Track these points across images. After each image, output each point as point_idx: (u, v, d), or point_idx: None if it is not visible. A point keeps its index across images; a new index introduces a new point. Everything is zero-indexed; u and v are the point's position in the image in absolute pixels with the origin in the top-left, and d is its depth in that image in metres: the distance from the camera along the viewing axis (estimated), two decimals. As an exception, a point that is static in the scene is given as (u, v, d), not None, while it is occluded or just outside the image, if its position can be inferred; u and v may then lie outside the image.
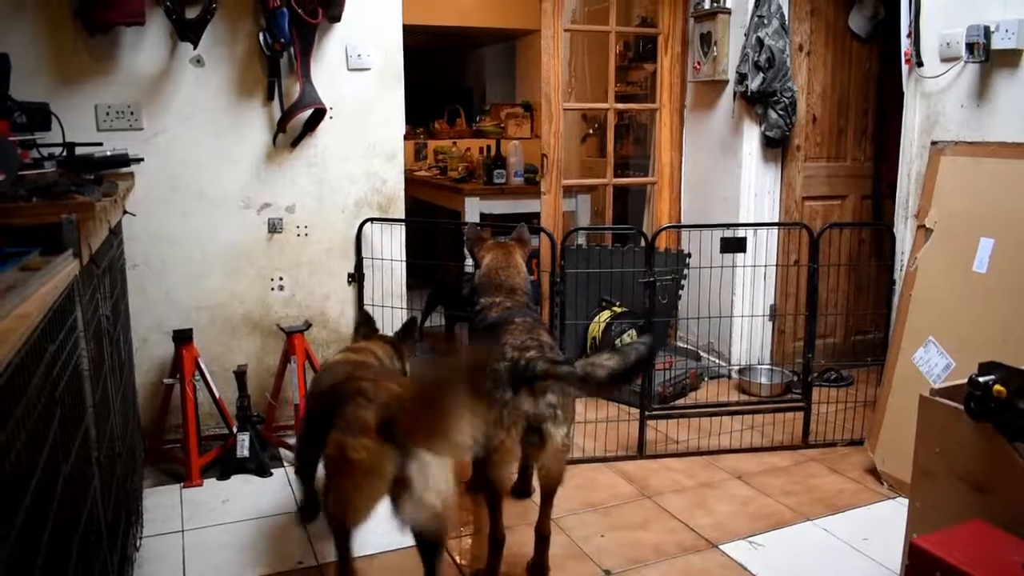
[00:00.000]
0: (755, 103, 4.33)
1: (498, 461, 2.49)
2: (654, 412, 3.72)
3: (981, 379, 2.11)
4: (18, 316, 1.23)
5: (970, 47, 3.20)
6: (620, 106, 5.18)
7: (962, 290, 3.14)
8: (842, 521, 3.05)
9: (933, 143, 3.46)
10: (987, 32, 3.14)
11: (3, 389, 1.07)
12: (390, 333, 3.19)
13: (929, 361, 3.22)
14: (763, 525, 3.02)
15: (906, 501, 2.55)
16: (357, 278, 3.85)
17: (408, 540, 2.88)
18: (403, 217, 3.92)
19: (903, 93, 3.68)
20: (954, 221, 3.25)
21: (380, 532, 2.96)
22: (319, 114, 3.61)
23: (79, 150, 2.94)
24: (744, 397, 4.38)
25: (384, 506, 2.25)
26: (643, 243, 3.65)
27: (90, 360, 1.91)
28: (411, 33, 3.91)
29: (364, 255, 3.83)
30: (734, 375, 4.59)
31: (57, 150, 2.90)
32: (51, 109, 3.03)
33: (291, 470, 3.46)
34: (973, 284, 3.10)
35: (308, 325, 3.65)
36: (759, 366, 4.55)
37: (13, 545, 1.08)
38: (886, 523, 2.99)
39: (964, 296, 3.13)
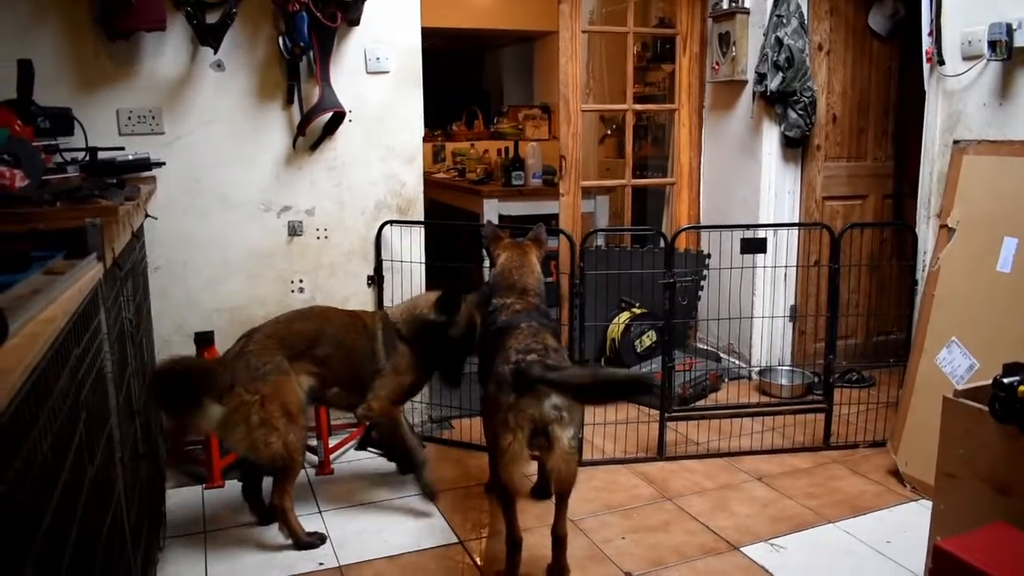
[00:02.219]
0: (774, 103, 4.31)
1: (507, 463, 2.50)
2: (674, 414, 3.71)
3: (1006, 380, 2.09)
4: (44, 320, 1.24)
5: (992, 45, 3.17)
6: (638, 107, 5.17)
7: (986, 290, 3.11)
8: (864, 523, 3.03)
9: (955, 142, 3.43)
10: (1010, 30, 3.11)
11: (30, 392, 1.08)
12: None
13: (952, 362, 3.19)
14: (784, 527, 3.00)
15: (929, 503, 2.53)
16: (377, 280, 3.86)
17: (427, 542, 2.91)
18: (422, 219, 3.93)
19: (924, 92, 3.66)
20: (977, 220, 3.22)
21: (402, 532, 2.98)
22: (338, 117, 3.63)
23: (101, 154, 2.97)
24: (764, 398, 4.35)
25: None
26: (662, 244, 3.64)
27: (113, 363, 1.93)
28: (429, 35, 3.92)
29: (383, 257, 3.84)
30: (754, 376, 4.57)
31: (80, 155, 2.93)
32: (74, 114, 3.07)
33: (311, 472, 3.48)
34: (997, 284, 3.07)
35: (328, 327, 3.66)
36: (780, 367, 4.53)
37: (42, 546, 1.09)
38: (909, 525, 2.96)
39: (988, 296, 3.10)
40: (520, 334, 2.71)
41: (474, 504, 3.19)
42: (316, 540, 2.89)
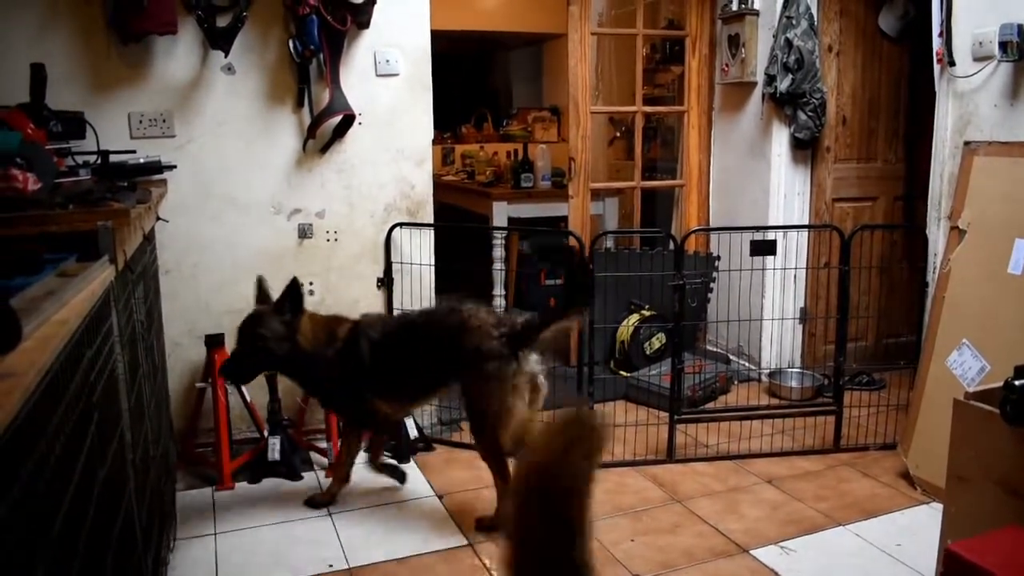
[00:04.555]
0: (784, 104, 4.31)
1: (516, 422, 2.80)
2: (683, 416, 3.70)
3: (1017, 383, 2.08)
4: (57, 322, 1.25)
5: (1003, 46, 3.16)
6: (647, 109, 5.17)
7: (997, 292, 3.10)
8: (875, 526, 3.02)
9: (966, 143, 3.41)
10: (1020, 30, 3.10)
11: (44, 394, 1.09)
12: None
13: (963, 364, 3.17)
14: (794, 530, 2.99)
15: (940, 506, 2.52)
16: (386, 283, 3.87)
17: (436, 544, 2.91)
18: (432, 222, 3.94)
19: (935, 93, 3.64)
20: (988, 222, 3.20)
21: (411, 534, 2.98)
22: (348, 120, 3.64)
23: (113, 158, 2.99)
24: (774, 401, 4.34)
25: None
26: (672, 246, 3.64)
27: (125, 365, 1.94)
28: (438, 38, 3.93)
29: (393, 260, 3.85)
30: (764, 378, 4.55)
31: (92, 158, 2.94)
32: (86, 118, 3.08)
33: (322, 474, 3.49)
34: (1008, 286, 3.05)
35: (338, 329, 3.67)
36: (789, 369, 4.52)
37: (54, 547, 1.10)
38: (920, 528, 2.95)
39: (999, 298, 3.09)
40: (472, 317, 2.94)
41: (484, 506, 3.19)
42: None
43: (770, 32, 4.30)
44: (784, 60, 4.18)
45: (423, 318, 3.18)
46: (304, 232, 3.73)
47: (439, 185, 4.98)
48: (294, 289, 2.95)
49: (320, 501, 3.21)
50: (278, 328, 2.93)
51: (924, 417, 3.31)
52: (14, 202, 1.85)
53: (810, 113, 4.22)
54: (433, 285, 3.96)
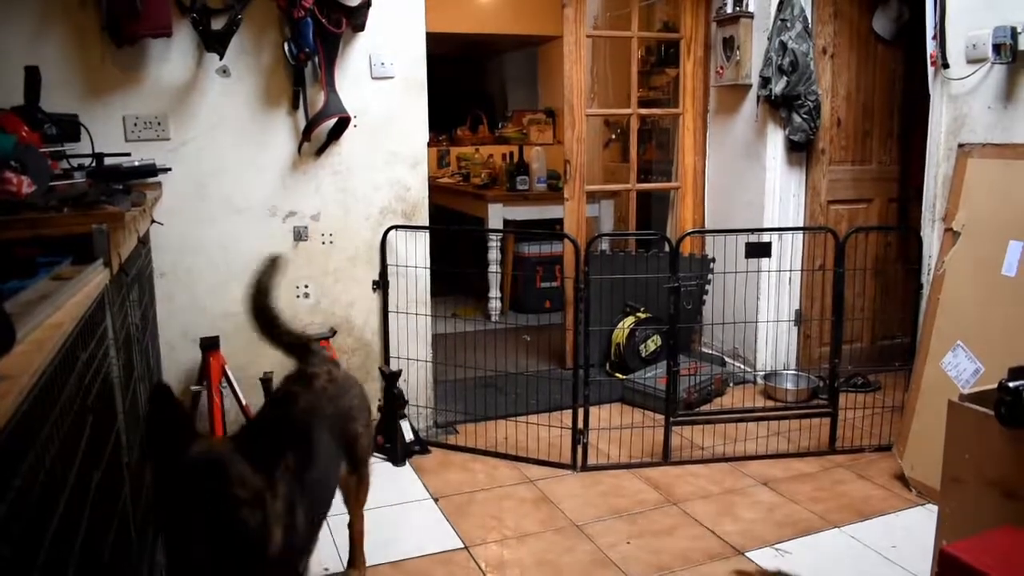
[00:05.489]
0: (779, 107, 4.31)
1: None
2: (679, 418, 3.70)
3: (1011, 384, 2.08)
4: (51, 325, 1.25)
5: (997, 48, 3.17)
6: (643, 111, 5.17)
7: (991, 294, 3.11)
8: (870, 528, 3.02)
9: (960, 145, 3.42)
10: (1014, 33, 3.11)
11: (38, 397, 1.09)
12: (414, 344, 3.18)
13: (958, 366, 3.18)
14: (790, 532, 3.00)
15: (935, 508, 2.53)
16: (382, 285, 3.86)
17: (432, 547, 2.91)
18: (427, 224, 3.94)
19: (929, 95, 3.65)
20: (982, 224, 3.21)
21: (406, 538, 2.98)
22: (344, 123, 3.64)
23: (108, 161, 2.98)
24: (770, 403, 4.35)
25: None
26: (667, 248, 3.64)
27: (120, 368, 1.94)
28: (433, 40, 3.93)
29: (388, 262, 3.84)
30: (759, 381, 4.56)
31: (86, 161, 2.94)
32: (80, 120, 3.08)
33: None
34: (1002, 287, 3.06)
35: (333, 332, 3.67)
36: (785, 371, 4.53)
37: (48, 551, 1.10)
38: (915, 530, 2.96)
39: (993, 300, 3.10)
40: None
41: (480, 509, 3.19)
42: None
43: (765, 35, 4.31)
44: (779, 62, 4.18)
45: (303, 405, 2.03)
46: (299, 235, 3.73)
47: (434, 188, 4.99)
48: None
49: None
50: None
51: (919, 419, 3.32)
52: (8, 205, 1.85)
53: (805, 115, 4.23)
54: (429, 288, 3.96)
